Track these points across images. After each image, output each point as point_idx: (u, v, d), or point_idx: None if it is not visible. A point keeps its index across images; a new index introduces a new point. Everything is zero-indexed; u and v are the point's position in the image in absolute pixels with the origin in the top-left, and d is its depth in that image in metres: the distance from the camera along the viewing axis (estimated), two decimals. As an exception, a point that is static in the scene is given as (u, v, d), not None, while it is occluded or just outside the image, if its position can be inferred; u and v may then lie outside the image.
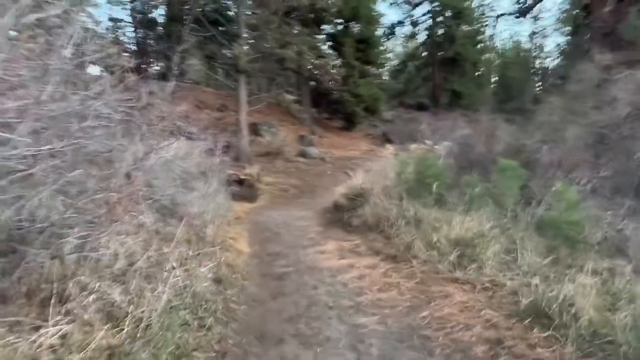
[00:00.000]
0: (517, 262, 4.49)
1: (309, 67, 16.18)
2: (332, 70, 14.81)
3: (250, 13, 13.78)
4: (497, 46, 42.54)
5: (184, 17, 18.14)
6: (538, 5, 17.33)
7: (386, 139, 22.47)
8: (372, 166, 8.41)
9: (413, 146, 8.49)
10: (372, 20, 21.83)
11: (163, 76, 29.99)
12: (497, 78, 43.30)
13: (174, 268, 3.44)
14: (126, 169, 4.40)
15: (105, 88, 4.22)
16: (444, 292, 4.14)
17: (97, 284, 2.93)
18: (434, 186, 5.81)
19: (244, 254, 5.06)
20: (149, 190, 4.79)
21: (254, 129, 18.08)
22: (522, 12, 15.73)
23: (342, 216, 7.01)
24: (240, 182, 8.84)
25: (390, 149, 9.21)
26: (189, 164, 6.09)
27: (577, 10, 15.38)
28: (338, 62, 20.14)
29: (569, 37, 35.70)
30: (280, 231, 6.51)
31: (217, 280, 3.92)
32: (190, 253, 4.18)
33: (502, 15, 17.13)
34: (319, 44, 14.91)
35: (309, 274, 4.70)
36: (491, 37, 38.04)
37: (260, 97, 16.07)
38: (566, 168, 5.96)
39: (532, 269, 4.33)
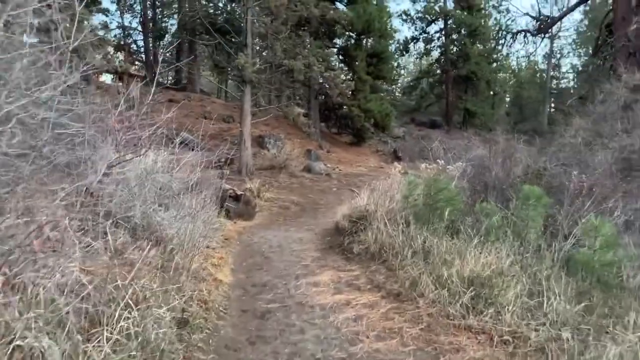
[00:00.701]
0: (543, 308, 3.79)
1: (318, 79, 15.68)
2: (342, 84, 14.21)
3: (257, 23, 13.25)
4: (512, 65, 41.98)
5: (195, 27, 17.82)
6: (558, 23, 16.66)
7: (396, 156, 21.83)
8: (379, 185, 7.74)
9: (423, 165, 7.80)
10: (385, 34, 21.36)
11: (175, 85, 30.04)
12: (510, 98, 42.70)
13: (125, 309, 2.80)
14: (89, 183, 3.81)
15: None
16: (455, 344, 3.44)
17: (19, 333, 2.30)
18: (446, 212, 5.15)
19: (224, 285, 4.41)
20: (116, 207, 4.20)
21: (260, 142, 17.57)
22: (542, 29, 15.12)
23: (342, 240, 6.35)
24: (236, 198, 8.22)
25: (398, 166, 8.52)
26: (175, 178, 5.49)
27: (599, 30, 14.71)
28: (348, 76, 19.68)
29: (588, 57, 35.07)
30: (272, 256, 5.85)
31: (183, 323, 3.26)
32: (155, 286, 3.55)
33: (520, 32, 16.48)
34: (329, 57, 14.35)
35: (298, 312, 4.03)
36: (506, 56, 37.38)
37: (265, 108, 15.51)
38: (596, 197, 5.26)
39: (561, 318, 3.63)
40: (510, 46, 29.00)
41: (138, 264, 3.23)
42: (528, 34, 15.98)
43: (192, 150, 12.17)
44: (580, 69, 38.09)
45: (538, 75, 43.83)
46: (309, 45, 14.01)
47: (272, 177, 13.32)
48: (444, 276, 4.29)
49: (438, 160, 7.65)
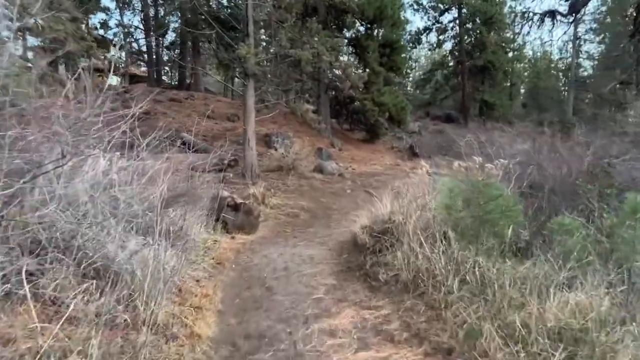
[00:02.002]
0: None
1: (327, 72, 14.38)
2: (354, 75, 12.89)
3: (259, 10, 12.00)
4: (529, 54, 40.23)
5: (197, 22, 16.66)
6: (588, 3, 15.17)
7: (412, 153, 20.47)
8: (403, 188, 6.48)
9: (456, 164, 6.48)
10: (397, 22, 19.93)
11: (179, 85, 29.04)
12: (526, 89, 40.85)
13: None
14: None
15: None
16: None
17: None
18: (508, 228, 3.85)
19: (203, 342, 3.14)
20: (51, 233, 2.99)
21: (266, 141, 16.36)
22: (575, 8, 13.64)
23: (363, 261, 5.08)
24: (235, 207, 6.98)
25: (425, 166, 7.18)
26: (141, 191, 4.27)
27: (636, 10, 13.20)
28: (360, 68, 18.35)
29: (610, 43, 33.19)
30: (276, 285, 4.59)
31: None
32: (95, 353, 2.35)
33: (549, 13, 14.99)
34: (339, 45, 13.05)
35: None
36: (523, 45, 35.70)
37: (272, 104, 14.24)
38: None
39: None
40: (528, 33, 27.46)
41: (79, 309, 2.00)
42: (558, 15, 14.49)
43: (195, 152, 11.08)
44: (598, 55, 36.15)
45: (553, 65, 42.05)
46: (317, 34, 12.68)
47: (279, 179, 12.07)
48: (515, 323, 3.01)
49: (474, 157, 6.33)
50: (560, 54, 39.39)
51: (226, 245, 5.98)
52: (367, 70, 17.91)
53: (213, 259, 5.15)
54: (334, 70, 13.53)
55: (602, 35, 35.38)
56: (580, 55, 34.02)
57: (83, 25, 17.43)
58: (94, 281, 2.99)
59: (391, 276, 4.37)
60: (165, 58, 32.22)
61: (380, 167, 16.32)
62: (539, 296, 3.13)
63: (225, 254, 5.58)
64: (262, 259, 5.60)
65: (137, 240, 3.36)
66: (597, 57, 34.55)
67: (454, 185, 4.11)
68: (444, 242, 4.26)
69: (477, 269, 3.75)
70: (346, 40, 19.02)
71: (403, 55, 21.58)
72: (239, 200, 7.16)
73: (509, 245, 3.91)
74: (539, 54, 41.88)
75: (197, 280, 4.23)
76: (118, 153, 3.89)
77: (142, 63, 31.74)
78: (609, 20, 33.60)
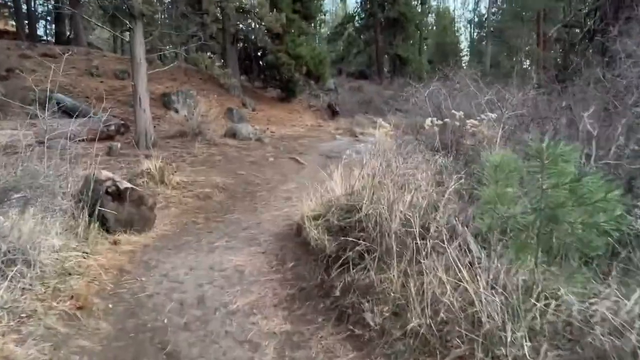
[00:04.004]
0: None
1: (234, 15, 11.88)
2: (268, 17, 10.58)
3: None
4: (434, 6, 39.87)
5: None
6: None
7: (333, 112, 18.79)
8: (364, 157, 4.68)
9: (428, 120, 4.73)
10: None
11: (56, 40, 24.35)
12: (431, 44, 40.48)
13: None
14: None
15: None
16: None
17: None
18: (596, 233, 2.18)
19: None
20: None
21: (165, 101, 13.64)
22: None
23: (326, 280, 3.23)
24: (119, 195, 4.70)
25: (385, 126, 5.34)
26: None
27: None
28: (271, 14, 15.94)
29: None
30: (186, 348, 2.58)
31: None
32: None
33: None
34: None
35: None
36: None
37: (169, 55, 11.50)
38: None
39: None
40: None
41: None
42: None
43: (72, 116, 8.38)
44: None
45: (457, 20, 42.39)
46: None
47: (183, 147, 9.71)
48: None
49: (455, 112, 4.64)
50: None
51: (102, 261, 3.76)
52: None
53: (72, 297, 2.97)
54: (244, 13, 11.11)
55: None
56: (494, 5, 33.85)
57: None
58: None
59: (388, 318, 2.56)
60: (41, 10, 27.10)
61: (301, 128, 14.40)
62: None
63: (98, 279, 3.40)
64: (160, 282, 3.50)
65: None
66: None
67: (506, 158, 2.33)
68: (478, 254, 2.52)
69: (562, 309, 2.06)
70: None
71: (316, 1, 19.37)
72: (125, 185, 4.87)
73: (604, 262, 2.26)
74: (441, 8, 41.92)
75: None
76: None
77: (8, 15, 26.30)
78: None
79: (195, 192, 6.58)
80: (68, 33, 24.21)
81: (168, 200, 6.09)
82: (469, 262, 2.48)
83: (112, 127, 10.31)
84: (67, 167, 4.68)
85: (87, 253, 3.79)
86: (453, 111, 4.47)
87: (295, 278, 3.48)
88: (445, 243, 2.53)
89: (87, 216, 4.31)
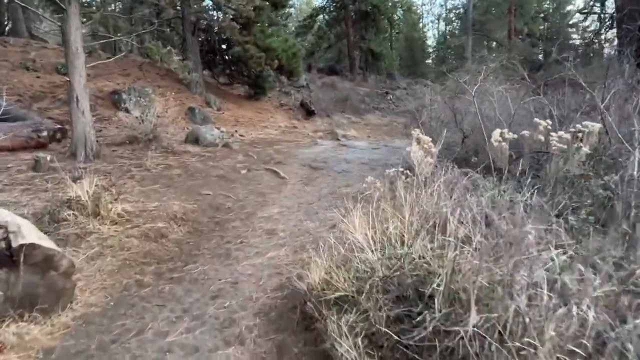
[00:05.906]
0: None
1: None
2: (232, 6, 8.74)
3: None
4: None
5: None
6: None
7: (307, 111, 17.07)
8: (371, 180, 3.07)
9: (496, 134, 3.13)
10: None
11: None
12: (401, 39, 39.19)
13: None
14: None
15: None
16: None
17: None
18: None
19: None
20: None
21: (114, 100, 11.61)
22: None
23: None
24: (10, 256, 2.89)
25: (423, 138, 3.69)
26: None
27: None
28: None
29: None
30: None
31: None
32: None
33: None
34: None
35: None
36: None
37: (106, 42, 9.47)
38: None
39: None
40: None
41: None
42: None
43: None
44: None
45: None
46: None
47: (133, 158, 7.82)
48: None
49: (538, 120, 3.05)
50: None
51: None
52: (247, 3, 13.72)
53: None
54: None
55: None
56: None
57: None
58: None
59: None
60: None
61: (274, 130, 12.62)
62: None
63: None
64: None
65: None
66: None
67: None
68: None
69: None
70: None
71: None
72: (21, 239, 3.03)
73: None
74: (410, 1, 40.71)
75: None
76: None
77: None
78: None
79: (143, 227, 4.75)
80: (5, 22, 21.50)
81: (103, 243, 4.26)
82: None
83: (45, 133, 8.28)
84: None
85: None
86: (536, 119, 2.89)
87: None
88: None
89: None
